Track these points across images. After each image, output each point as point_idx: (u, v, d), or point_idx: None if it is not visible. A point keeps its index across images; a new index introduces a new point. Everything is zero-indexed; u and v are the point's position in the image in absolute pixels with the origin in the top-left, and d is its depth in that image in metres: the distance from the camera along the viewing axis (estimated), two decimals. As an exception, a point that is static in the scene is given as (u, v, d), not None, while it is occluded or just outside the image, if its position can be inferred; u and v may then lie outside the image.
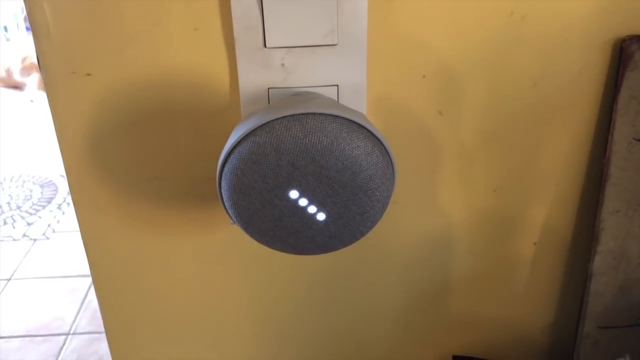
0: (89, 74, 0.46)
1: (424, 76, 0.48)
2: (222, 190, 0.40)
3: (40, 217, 2.15)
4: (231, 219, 0.42)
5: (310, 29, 0.44)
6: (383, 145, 0.40)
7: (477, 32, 0.47)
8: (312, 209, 0.39)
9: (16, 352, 1.49)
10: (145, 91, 0.47)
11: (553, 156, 0.53)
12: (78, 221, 0.53)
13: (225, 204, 0.41)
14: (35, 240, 2.00)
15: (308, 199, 0.39)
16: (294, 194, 0.38)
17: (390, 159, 0.40)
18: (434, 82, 0.48)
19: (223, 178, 0.40)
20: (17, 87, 3.40)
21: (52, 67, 0.46)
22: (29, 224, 2.09)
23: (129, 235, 0.53)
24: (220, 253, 0.55)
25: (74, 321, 1.59)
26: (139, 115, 0.48)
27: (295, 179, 0.38)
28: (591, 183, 0.54)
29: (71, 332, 1.56)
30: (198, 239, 0.54)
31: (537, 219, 0.56)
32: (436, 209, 0.54)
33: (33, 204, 2.24)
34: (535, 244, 0.57)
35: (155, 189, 0.52)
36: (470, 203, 0.54)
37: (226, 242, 0.55)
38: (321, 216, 0.40)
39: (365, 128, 0.39)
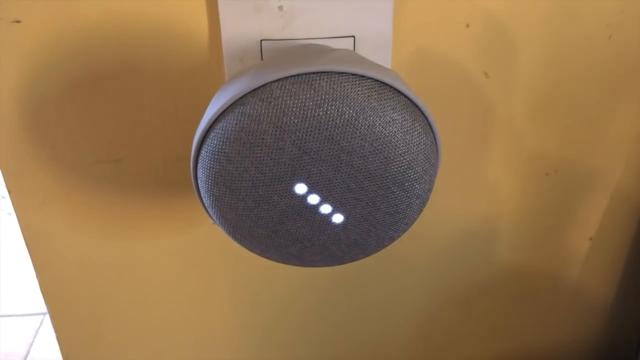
0: (17, 21, 0.35)
1: (467, 25, 0.37)
2: (199, 181, 0.29)
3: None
4: (211, 219, 0.30)
5: (319, -43, 0.32)
6: (426, 119, 0.28)
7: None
8: (325, 209, 0.28)
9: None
10: (97, 44, 0.36)
11: (623, 132, 0.43)
12: (16, 215, 0.41)
13: (204, 200, 0.29)
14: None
15: (320, 196, 0.28)
16: (301, 188, 0.27)
17: (435, 138, 0.29)
18: (480, 34, 0.37)
19: (200, 165, 0.28)
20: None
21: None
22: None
23: (82, 233, 0.43)
24: (199, 253, 0.45)
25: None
26: (88, 76, 0.37)
27: (303, 167, 0.27)
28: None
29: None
30: (170, 236, 0.44)
31: (595, 210, 0.46)
32: (474, 195, 0.44)
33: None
34: (591, 239, 0.47)
35: (115, 174, 0.40)
36: (517, 189, 0.44)
37: (207, 238, 0.44)
38: (338, 218, 0.29)
39: (402, 93, 0.27)
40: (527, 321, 0.51)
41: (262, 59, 0.35)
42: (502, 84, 0.39)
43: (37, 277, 0.44)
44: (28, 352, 1.36)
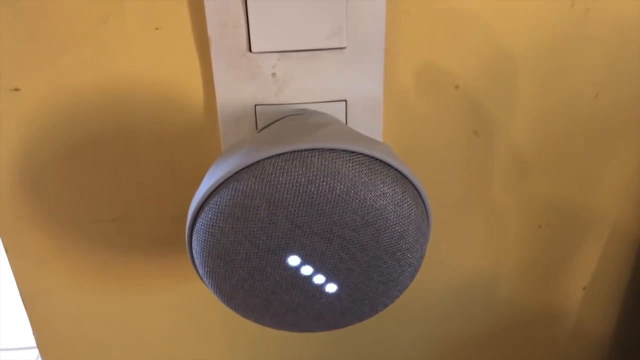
0: (16, 89, 0.35)
1: (456, 86, 0.37)
2: (194, 252, 0.29)
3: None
4: (207, 287, 0.31)
5: (310, 28, 0.33)
6: (417, 190, 0.29)
7: (528, 28, 0.36)
8: (319, 279, 0.28)
9: None
10: (93, 108, 0.37)
11: (613, 184, 0.43)
12: (14, 274, 0.41)
13: (199, 270, 0.30)
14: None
15: (314, 267, 0.28)
16: (294, 260, 0.28)
17: (426, 208, 0.30)
18: (469, 94, 0.38)
19: (194, 237, 0.29)
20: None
21: (-34, 80, 0.34)
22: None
23: (79, 291, 0.43)
24: (196, 308, 0.45)
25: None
26: (85, 139, 0.37)
27: (296, 240, 0.27)
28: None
29: None
30: (166, 292, 0.44)
31: (589, 260, 0.46)
32: (467, 250, 0.44)
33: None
34: (584, 288, 0.47)
35: (111, 233, 0.41)
36: (510, 241, 0.44)
37: (203, 295, 0.44)
38: (332, 288, 0.29)
39: (393, 167, 0.28)
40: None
41: (256, 123, 0.36)
42: (493, 141, 0.40)
43: (34, 334, 0.44)
44: (26, 385, 1.34)
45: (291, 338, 0.47)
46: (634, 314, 0.49)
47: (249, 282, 0.28)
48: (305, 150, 0.27)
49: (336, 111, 0.36)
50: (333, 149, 0.27)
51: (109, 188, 0.39)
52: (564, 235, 0.44)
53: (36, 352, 1.40)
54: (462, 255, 0.44)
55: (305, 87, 0.35)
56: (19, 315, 1.48)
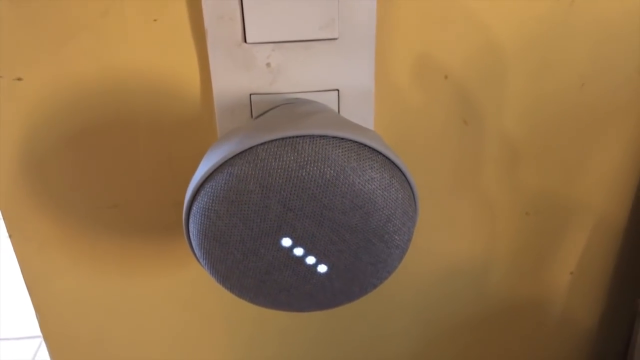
0: (19, 79, 0.37)
1: (446, 77, 0.39)
2: (191, 234, 0.30)
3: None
4: (203, 268, 0.32)
5: (303, 19, 0.34)
6: (404, 175, 0.30)
7: (515, 19, 0.37)
8: (310, 260, 0.30)
9: None
10: (93, 97, 0.38)
11: (600, 173, 0.44)
12: (17, 259, 0.43)
13: (196, 252, 0.31)
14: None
15: (305, 248, 0.29)
16: (286, 242, 0.29)
17: (413, 192, 0.31)
18: (458, 84, 0.39)
19: (191, 220, 0.30)
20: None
21: (-30, 69, 0.36)
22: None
23: (82, 275, 0.44)
24: (195, 292, 0.46)
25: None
26: (86, 127, 0.38)
27: (288, 223, 0.28)
28: (641, 202, 0.45)
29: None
30: (167, 277, 0.45)
31: (575, 245, 0.47)
32: (457, 236, 0.45)
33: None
34: (572, 273, 0.48)
35: (112, 219, 0.42)
36: (499, 229, 0.45)
37: (202, 279, 0.45)
38: (322, 268, 0.30)
39: (380, 153, 0.29)
40: (513, 354, 0.52)
41: (251, 111, 0.37)
42: (482, 130, 0.41)
43: (37, 317, 0.46)
44: (27, 374, 1.35)
45: (288, 322, 0.48)
46: (620, 299, 0.50)
47: (244, 263, 0.30)
48: (297, 136, 0.28)
49: (329, 100, 0.37)
50: (323, 136, 0.28)
51: (110, 175, 0.40)
52: (552, 223, 0.45)
53: (38, 341, 1.42)
54: (452, 243, 0.46)
55: (299, 76, 0.36)
56: (21, 305, 1.50)
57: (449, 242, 0.45)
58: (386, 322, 0.49)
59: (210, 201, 0.28)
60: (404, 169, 0.30)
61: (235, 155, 0.28)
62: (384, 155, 0.29)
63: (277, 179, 0.27)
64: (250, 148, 0.28)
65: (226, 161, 0.28)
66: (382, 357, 0.51)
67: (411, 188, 0.31)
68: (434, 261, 0.46)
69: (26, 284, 0.44)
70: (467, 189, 0.43)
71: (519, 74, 0.39)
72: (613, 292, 0.50)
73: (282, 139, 0.28)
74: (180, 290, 0.45)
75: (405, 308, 0.48)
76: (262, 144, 0.28)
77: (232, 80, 0.36)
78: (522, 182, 0.43)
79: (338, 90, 0.37)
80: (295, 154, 0.28)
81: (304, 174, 0.27)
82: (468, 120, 0.40)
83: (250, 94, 0.36)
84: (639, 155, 0.43)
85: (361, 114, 0.38)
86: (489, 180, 0.43)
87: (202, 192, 0.29)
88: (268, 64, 0.36)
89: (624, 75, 0.40)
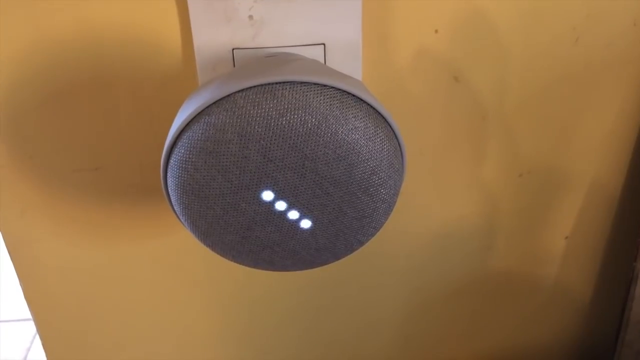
0: (-9, 33, 0.35)
1: (436, 31, 0.37)
2: (169, 189, 0.29)
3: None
4: (183, 225, 0.31)
5: (286, -33, 0.33)
6: (389, 126, 0.29)
7: (507, -30, 0.36)
8: (293, 215, 0.29)
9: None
10: (71, 56, 0.36)
11: (594, 132, 0.43)
12: (-2, 225, 0.42)
13: (175, 207, 0.30)
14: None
15: (287, 202, 0.28)
16: (267, 195, 0.28)
17: (399, 144, 0.30)
18: (448, 39, 0.38)
19: (169, 174, 0.29)
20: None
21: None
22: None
23: (64, 240, 0.43)
24: (180, 256, 0.45)
25: None
26: (64, 87, 0.37)
27: (268, 174, 0.27)
28: None
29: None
30: (150, 241, 0.44)
31: (570, 210, 0.46)
32: (448, 198, 0.44)
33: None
34: (567, 238, 0.47)
35: (94, 182, 0.41)
36: (490, 191, 0.44)
37: (187, 242, 0.44)
38: (306, 223, 0.29)
39: (365, 102, 0.28)
40: (505, 320, 0.52)
41: (234, 67, 0.36)
42: (474, 87, 0.40)
43: (20, 284, 0.45)
44: (25, 357, 1.35)
45: (276, 286, 0.47)
46: (616, 264, 0.49)
47: (224, 218, 0.29)
48: (277, 83, 0.27)
49: (315, 55, 0.36)
50: (304, 82, 0.27)
51: (91, 137, 0.39)
52: (546, 185, 0.44)
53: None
54: (443, 204, 0.45)
55: (283, 30, 0.35)
56: (19, 286, 1.49)
57: (438, 203, 0.45)
58: (375, 286, 0.48)
59: (188, 153, 0.27)
60: (389, 119, 0.29)
61: (212, 104, 0.27)
62: (368, 104, 0.28)
63: (257, 127, 0.26)
64: (228, 95, 0.27)
65: (203, 110, 0.27)
66: (373, 320, 0.51)
67: (397, 140, 0.29)
68: (424, 223, 0.45)
69: (8, 251, 0.43)
70: (458, 149, 0.42)
71: (511, 28, 0.38)
72: (609, 257, 0.49)
73: (262, 85, 0.27)
74: (165, 254, 0.44)
75: (395, 271, 0.48)
76: (240, 90, 0.27)
77: (214, 34, 0.35)
78: (514, 143, 0.42)
79: (324, 44, 0.35)
80: (275, 101, 0.26)
81: (284, 122, 0.26)
82: (459, 77, 0.39)
83: (233, 49, 0.35)
84: (635, 114, 0.42)
85: (349, 69, 0.36)
86: (480, 140, 0.42)
87: (179, 143, 0.28)
88: (250, 17, 0.34)
89: (622, 26, 0.38)
